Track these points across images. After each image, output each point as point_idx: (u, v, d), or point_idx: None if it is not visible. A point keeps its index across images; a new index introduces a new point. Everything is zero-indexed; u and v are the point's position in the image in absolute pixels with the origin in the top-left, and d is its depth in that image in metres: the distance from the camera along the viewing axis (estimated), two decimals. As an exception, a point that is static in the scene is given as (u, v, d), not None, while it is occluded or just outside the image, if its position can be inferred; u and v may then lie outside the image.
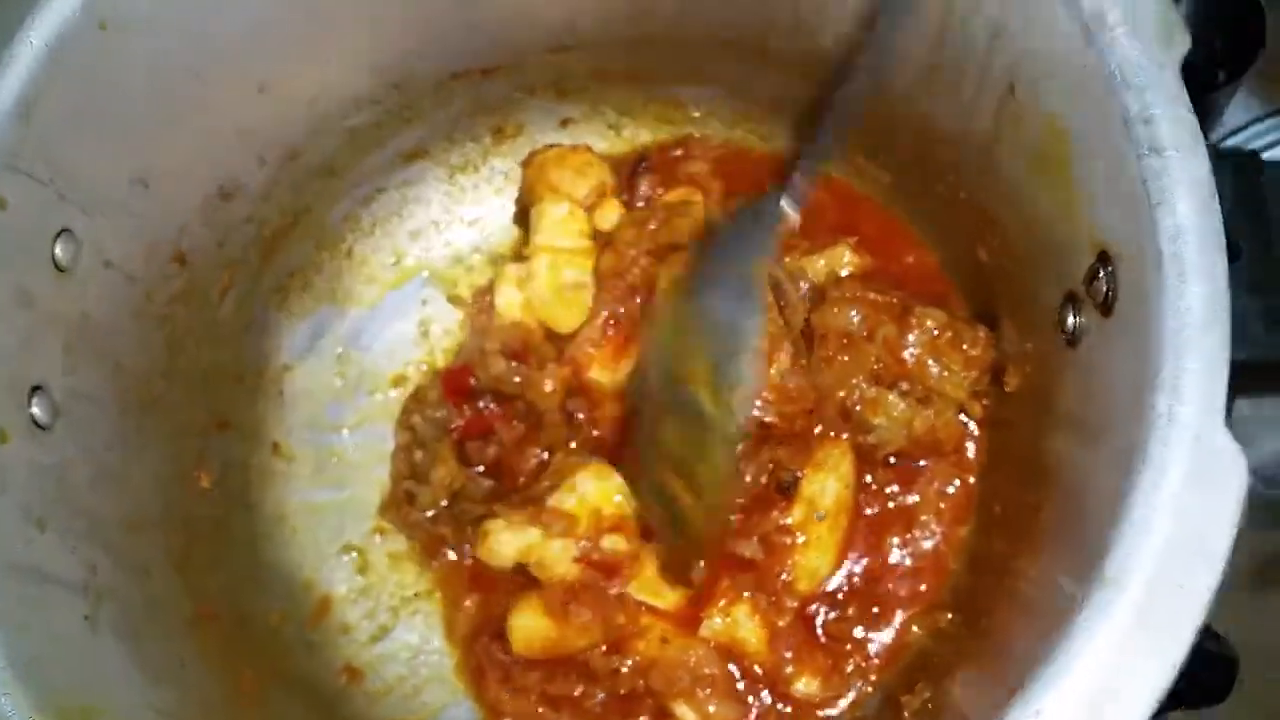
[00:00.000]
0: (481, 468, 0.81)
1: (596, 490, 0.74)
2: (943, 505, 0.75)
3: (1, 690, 0.51)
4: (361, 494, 0.83)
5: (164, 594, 0.67)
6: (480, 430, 0.81)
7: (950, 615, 0.72)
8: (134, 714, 0.58)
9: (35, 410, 0.60)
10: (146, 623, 0.64)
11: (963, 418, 0.74)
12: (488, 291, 0.84)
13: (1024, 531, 0.62)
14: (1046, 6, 0.53)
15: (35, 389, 0.60)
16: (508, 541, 0.74)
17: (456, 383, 0.82)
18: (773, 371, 0.73)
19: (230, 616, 0.72)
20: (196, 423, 0.76)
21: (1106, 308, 0.52)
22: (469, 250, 0.88)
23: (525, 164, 0.84)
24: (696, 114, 0.85)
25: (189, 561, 0.71)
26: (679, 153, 0.85)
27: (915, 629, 0.73)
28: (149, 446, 0.70)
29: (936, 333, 0.72)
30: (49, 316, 0.62)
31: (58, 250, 0.62)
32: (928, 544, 0.75)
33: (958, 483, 0.75)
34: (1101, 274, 0.52)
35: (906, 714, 0.66)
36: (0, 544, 0.55)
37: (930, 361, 0.72)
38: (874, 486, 0.76)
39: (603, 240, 0.81)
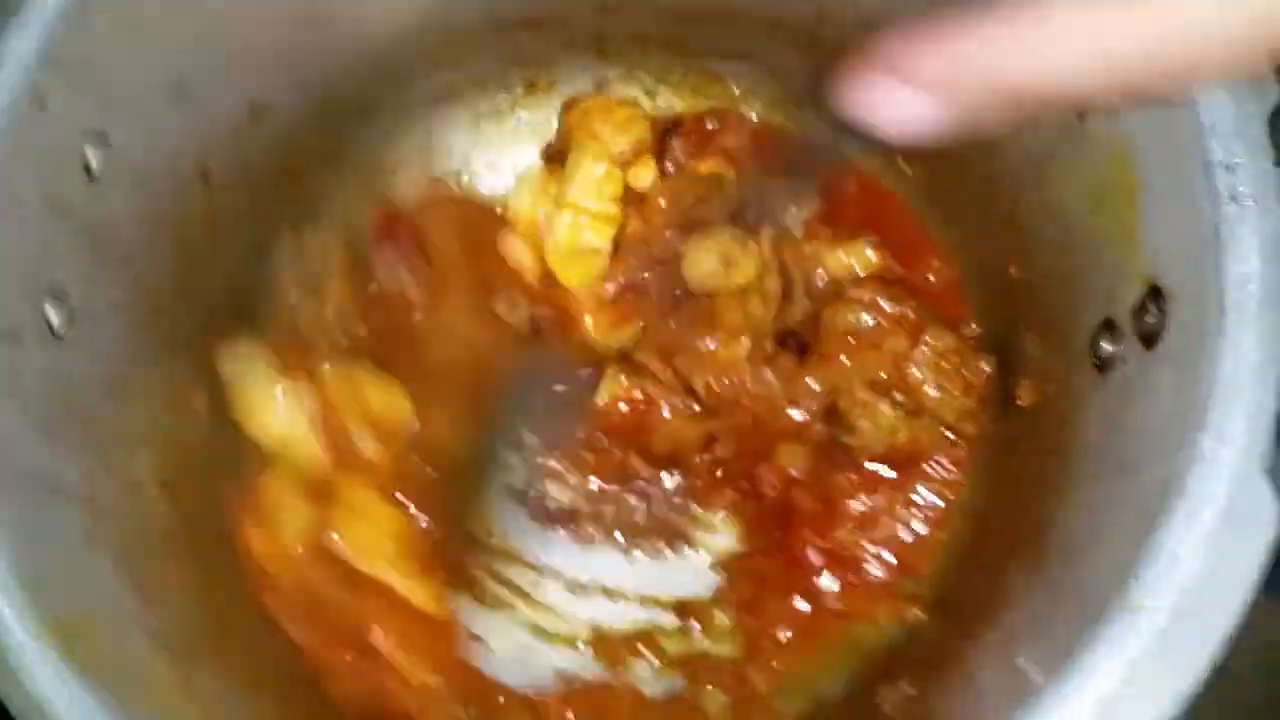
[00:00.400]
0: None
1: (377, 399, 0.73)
2: (917, 511, 0.75)
3: (5, 599, 0.50)
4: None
5: (153, 513, 0.66)
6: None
7: (919, 613, 0.73)
8: (124, 630, 0.58)
9: (51, 315, 0.59)
10: (137, 541, 0.63)
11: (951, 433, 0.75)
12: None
13: (1025, 546, 0.62)
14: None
15: (53, 293, 0.59)
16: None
17: (392, 228, 0.80)
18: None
19: (209, 539, 0.71)
20: (196, 343, 0.75)
21: (1150, 341, 0.53)
22: (486, 196, 0.86)
23: (567, 108, 0.82)
24: (737, 91, 0.84)
25: (175, 481, 0.69)
26: (714, 125, 0.84)
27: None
28: (152, 362, 0.69)
29: (944, 356, 0.73)
30: (75, 222, 0.60)
31: (91, 156, 0.60)
32: (893, 544, 0.75)
33: (935, 490, 0.75)
34: (1151, 308, 0.52)
35: (885, 706, 0.67)
36: (13, 450, 0.54)
37: (931, 381, 0.73)
38: (846, 483, 0.76)
39: (633, 198, 0.80)
